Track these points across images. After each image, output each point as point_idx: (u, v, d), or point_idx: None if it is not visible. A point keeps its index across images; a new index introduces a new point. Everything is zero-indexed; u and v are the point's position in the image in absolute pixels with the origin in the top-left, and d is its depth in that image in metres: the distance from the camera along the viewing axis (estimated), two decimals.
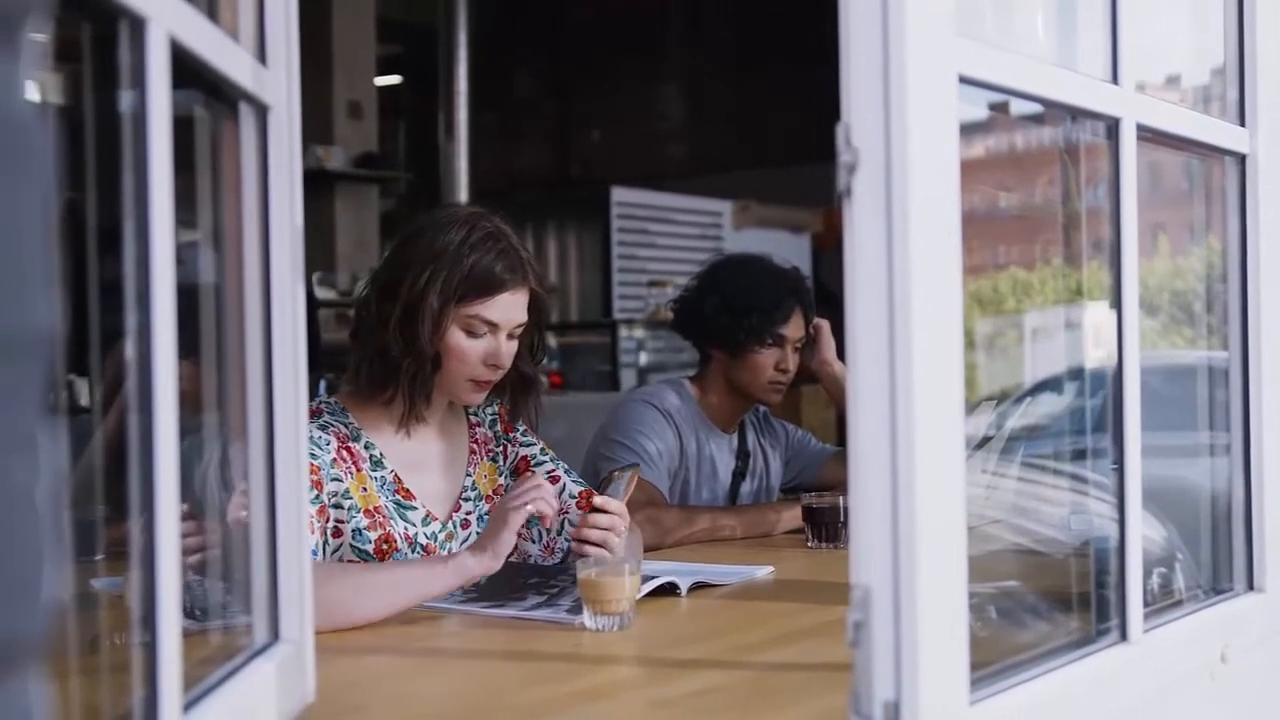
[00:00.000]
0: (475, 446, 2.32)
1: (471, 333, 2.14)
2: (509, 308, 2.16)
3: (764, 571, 2.30)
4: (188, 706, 1.06)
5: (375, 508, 2.13)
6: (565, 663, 1.69)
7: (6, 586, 0.57)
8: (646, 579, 1.98)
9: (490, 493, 2.31)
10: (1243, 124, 1.76)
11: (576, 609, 1.86)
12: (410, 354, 2.12)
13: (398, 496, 2.17)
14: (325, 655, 1.45)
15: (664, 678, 1.63)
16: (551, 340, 7.64)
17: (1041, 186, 1.96)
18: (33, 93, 0.60)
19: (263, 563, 1.34)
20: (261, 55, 1.32)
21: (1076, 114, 1.52)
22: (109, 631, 1.32)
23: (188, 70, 1.09)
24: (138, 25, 0.98)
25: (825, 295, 5.55)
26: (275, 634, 1.34)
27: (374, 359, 2.15)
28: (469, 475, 2.29)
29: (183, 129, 1.07)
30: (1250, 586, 1.77)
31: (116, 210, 1.01)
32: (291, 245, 1.35)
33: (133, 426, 0.99)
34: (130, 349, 1.00)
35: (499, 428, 2.36)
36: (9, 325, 0.56)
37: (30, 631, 0.58)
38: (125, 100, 1.01)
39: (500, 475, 2.33)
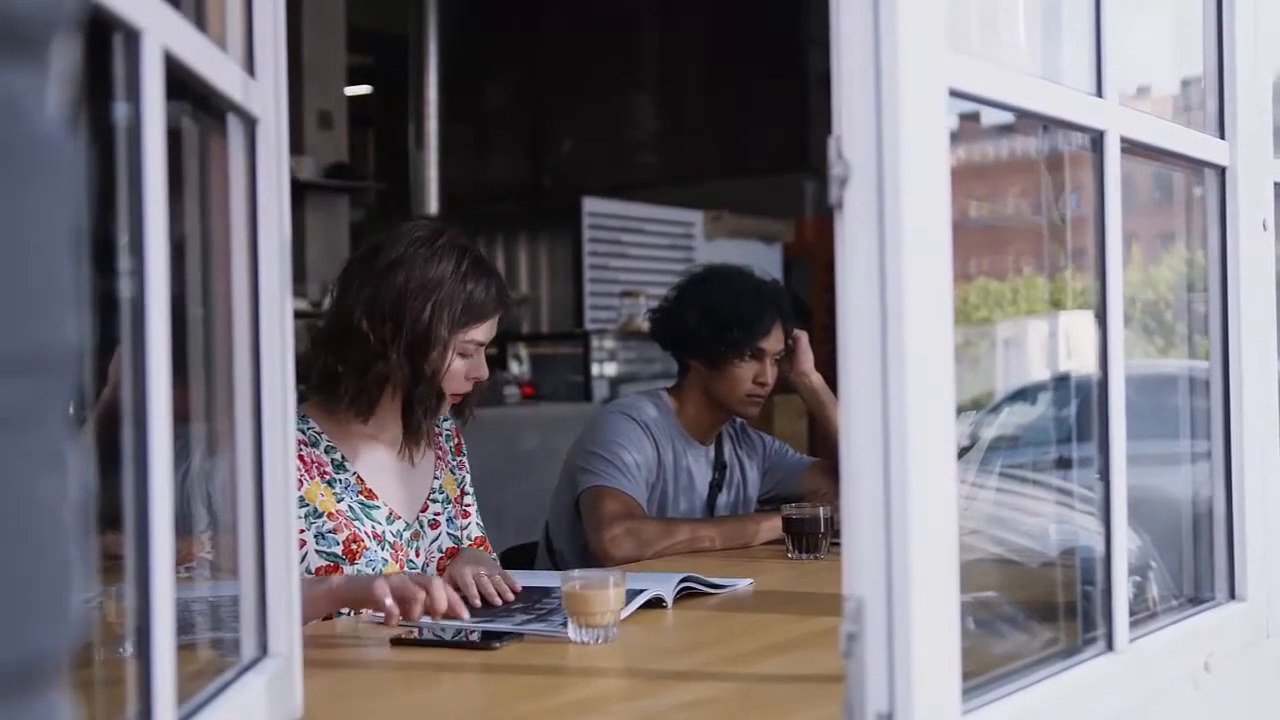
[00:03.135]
0: (440, 452, 2.40)
1: (464, 355, 2.24)
2: (494, 327, 2.29)
3: (745, 584, 2.30)
4: None
5: (338, 510, 2.18)
6: (552, 676, 1.68)
7: (37, 604, 0.56)
8: (632, 594, 1.98)
9: (452, 498, 2.39)
10: (1222, 136, 1.77)
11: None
12: (419, 383, 2.19)
13: (361, 497, 2.22)
14: (313, 670, 1.44)
15: (653, 690, 1.63)
16: (523, 351, 7.63)
17: (1013, 197, 1.97)
18: (60, 109, 0.59)
19: (251, 578, 1.33)
20: (250, 67, 1.32)
21: (1062, 127, 1.53)
22: (94, 646, 1.31)
23: (177, 82, 1.08)
24: (132, 37, 0.97)
25: (796, 306, 5.56)
26: (264, 649, 1.33)
27: (375, 385, 2.20)
28: (436, 478, 2.36)
29: (170, 141, 1.06)
30: (1232, 596, 1.78)
31: (104, 222, 1.00)
32: (280, 257, 1.35)
33: (126, 440, 0.99)
34: (119, 360, 1.00)
35: (452, 444, 2.45)
36: (37, 341, 0.56)
37: (59, 648, 0.58)
38: (118, 111, 1.00)
39: (457, 487, 2.42)
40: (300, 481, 2.14)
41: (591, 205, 8.08)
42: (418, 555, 2.28)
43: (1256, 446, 1.79)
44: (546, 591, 2.13)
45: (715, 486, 3.07)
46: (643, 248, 8.22)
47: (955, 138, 1.46)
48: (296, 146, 7.16)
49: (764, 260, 7.40)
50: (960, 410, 1.99)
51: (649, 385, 3.57)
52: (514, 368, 7.40)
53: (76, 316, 0.59)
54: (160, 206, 1.00)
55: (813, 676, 1.61)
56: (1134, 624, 1.53)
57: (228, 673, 1.25)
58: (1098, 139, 1.49)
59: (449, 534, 2.35)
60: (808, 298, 7.53)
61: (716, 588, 2.21)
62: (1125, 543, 1.50)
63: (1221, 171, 1.78)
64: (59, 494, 0.58)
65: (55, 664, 0.58)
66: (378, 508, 2.23)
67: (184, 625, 1.36)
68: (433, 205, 8.36)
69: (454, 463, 2.43)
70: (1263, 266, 1.83)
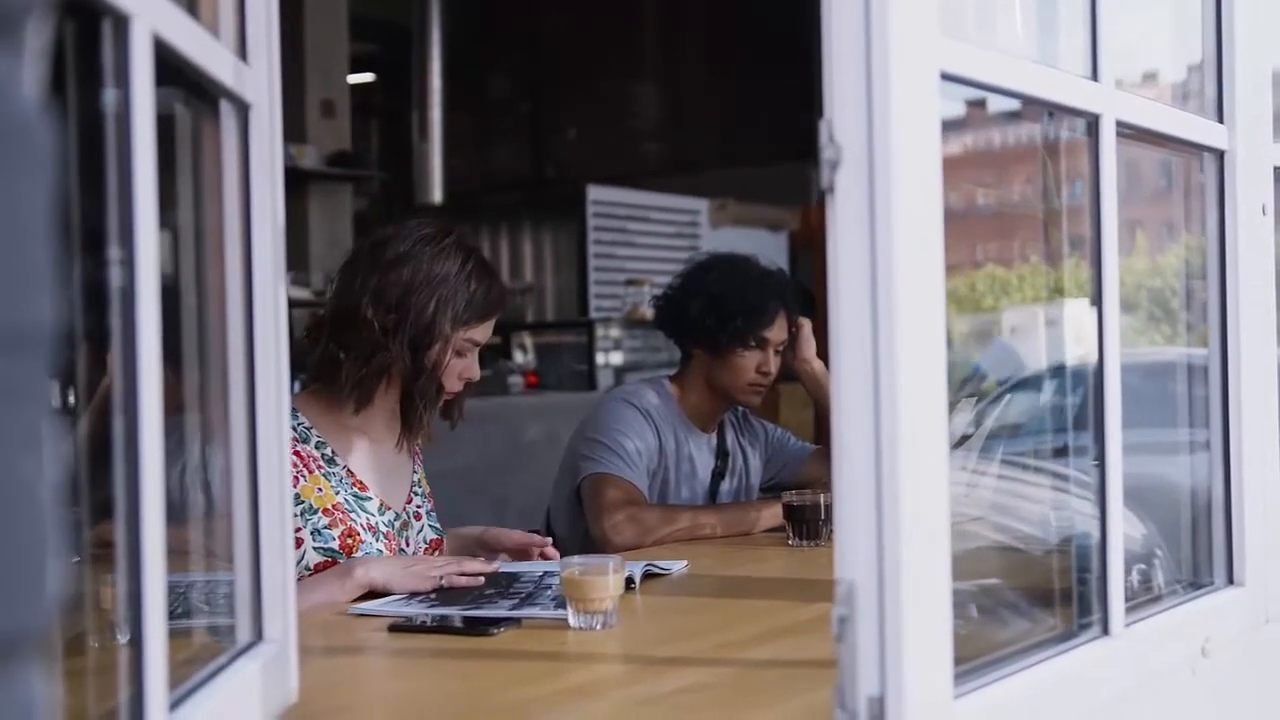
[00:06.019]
0: (416, 449, 2.44)
1: (460, 353, 2.27)
2: (490, 329, 2.32)
3: (680, 565, 2.33)
4: (172, 706, 1.06)
5: (334, 505, 2.21)
6: (550, 662, 1.69)
7: (12, 580, 0.57)
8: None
9: (428, 493, 2.44)
10: (1221, 120, 1.77)
11: (561, 604, 1.86)
12: (419, 375, 2.23)
13: (354, 489, 2.25)
14: (308, 655, 1.44)
15: (650, 675, 1.63)
16: (527, 340, 7.64)
17: (1019, 184, 1.96)
18: (35, 90, 0.60)
19: (246, 563, 1.33)
20: (243, 53, 1.32)
21: (1057, 110, 1.53)
22: (92, 633, 1.32)
23: (169, 68, 1.08)
24: (121, 22, 0.97)
25: (802, 294, 5.55)
26: (259, 634, 1.33)
27: (375, 375, 2.23)
28: (415, 472, 2.41)
29: (161, 127, 1.06)
30: (1230, 581, 1.78)
31: (96, 209, 1.01)
32: (273, 245, 1.35)
33: (117, 428, 0.99)
34: (114, 351, 1.00)
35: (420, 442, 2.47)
36: (17, 320, 0.57)
37: (35, 625, 0.58)
38: (107, 98, 1.00)
39: (427, 483, 2.47)
40: (297, 478, 2.16)
41: (596, 194, 8.08)
42: (407, 545, 2.31)
43: (1255, 432, 1.79)
44: (515, 576, 2.16)
45: (718, 474, 3.07)
46: (647, 236, 8.22)
47: (962, 125, 1.46)
48: (299, 135, 7.16)
49: (769, 248, 7.40)
50: (967, 398, 1.99)
51: (654, 374, 3.57)
52: (518, 357, 7.40)
53: (52, 298, 0.60)
54: (150, 194, 1.00)
55: (809, 661, 1.61)
56: (1131, 609, 1.53)
57: (222, 657, 1.26)
58: (1093, 123, 1.49)
59: (430, 526, 2.41)
60: (813, 286, 7.52)
61: (664, 570, 2.27)
62: (1121, 527, 1.50)
63: (1220, 156, 1.78)
64: (36, 472, 0.58)
65: (31, 639, 0.58)
66: (370, 499, 2.27)
67: (183, 611, 1.37)
68: (436, 194, 8.37)
69: (423, 460, 2.48)
70: (1262, 252, 1.83)
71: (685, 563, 2.36)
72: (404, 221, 2.33)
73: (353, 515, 2.21)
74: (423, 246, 2.24)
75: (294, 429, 2.21)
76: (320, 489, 2.20)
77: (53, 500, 0.59)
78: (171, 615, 1.10)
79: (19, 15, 0.57)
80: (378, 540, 2.23)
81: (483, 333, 2.29)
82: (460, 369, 2.28)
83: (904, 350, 1.14)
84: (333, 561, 2.16)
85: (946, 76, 1.22)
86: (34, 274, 0.57)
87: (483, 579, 2.10)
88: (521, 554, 2.37)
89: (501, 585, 2.10)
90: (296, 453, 2.19)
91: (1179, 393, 1.95)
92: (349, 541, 2.19)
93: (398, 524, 2.31)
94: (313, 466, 2.21)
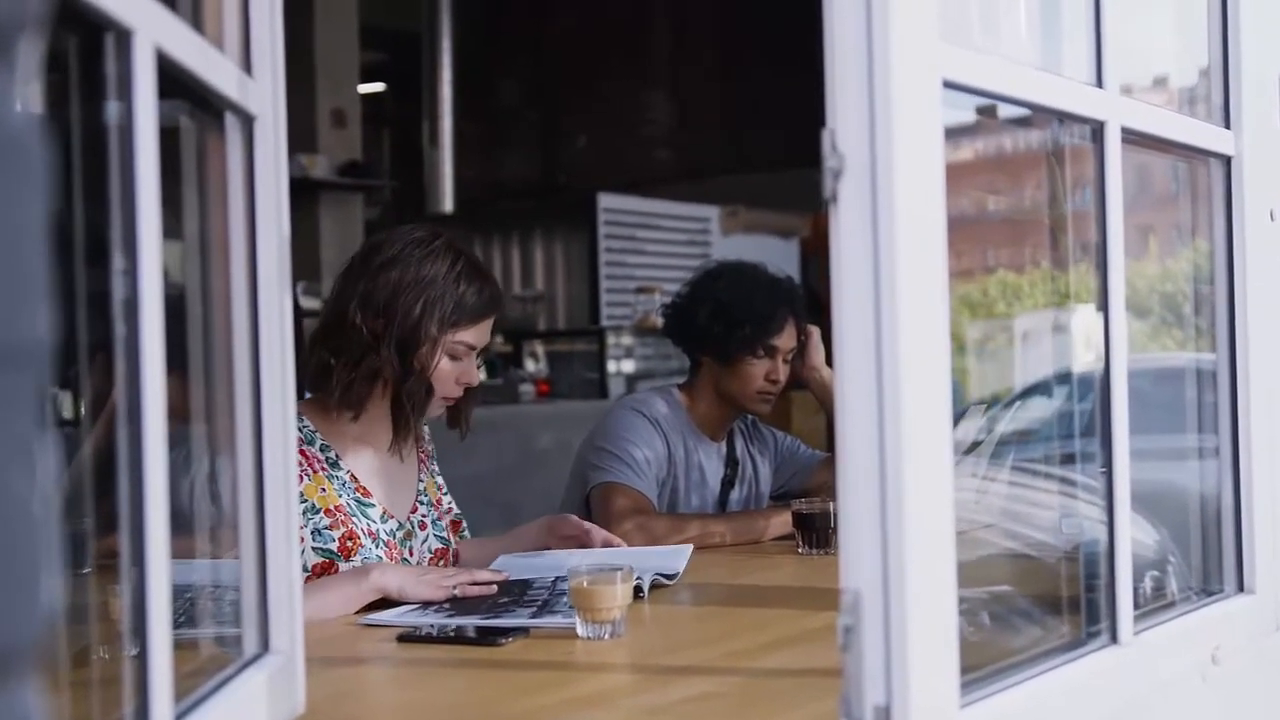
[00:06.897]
0: (423, 457, 2.44)
1: (453, 356, 2.27)
2: (486, 332, 2.31)
3: (685, 551, 2.35)
4: (178, 718, 1.06)
5: (336, 506, 2.22)
6: (558, 671, 1.69)
7: (5, 594, 0.57)
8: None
9: (434, 501, 2.43)
10: (1228, 126, 1.76)
11: (573, 613, 1.86)
12: (408, 378, 2.22)
13: (357, 495, 2.26)
14: (315, 666, 1.44)
15: (657, 684, 1.63)
16: (538, 348, 7.64)
17: (1030, 190, 1.96)
18: (29, 104, 0.60)
19: (252, 574, 1.34)
20: (247, 65, 1.32)
21: (1061, 117, 1.52)
22: (96, 644, 1.32)
23: (173, 81, 1.09)
24: (124, 36, 0.98)
25: (813, 301, 5.54)
26: (265, 645, 1.34)
27: (365, 379, 2.23)
28: (420, 481, 2.41)
29: (168, 139, 1.07)
30: (1240, 588, 1.77)
31: (101, 221, 1.01)
32: (278, 255, 1.35)
33: (121, 439, 0.99)
34: (117, 361, 1.00)
35: (430, 449, 2.49)
36: (8, 335, 0.57)
37: (28, 639, 0.58)
38: (111, 111, 1.00)
39: (438, 490, 2.46)
40: (301, 477, 2.16)
41: (607, 201, 8.08)
42: (411, 554, 2.31)
43: (1264, 438, 1.78)
44: (528, 584, 2.16)
45: (728, 483, 3.07)
46: (658, 244, 8.21)
47: (972, 130, 1.46)
48: (310, 145, 7.16)
49: (780, 255, 7.38)
50: (977, 404, 1.98)
51: (665, 382, 3.57)
52: (529, 365, 7.39)
53: (45, 312, 0.60)
54: (153, 206, 1.01)
55: (818, 670, 1.61)
56: (1140, 616, 1.52)
57: (228, 668, 1.26)
58: (1098, 129, 1.48)
59: (435, 535, 2.40)
60: (824, 293, 7.51)
61: (671, 578, 2.25)
62: (1129, 534, 1.49)
63: (1227, 161, 1.77)
64: (28, 485, 0.58)
65: (26, 653, 0.58)
66: (372, 505, 2.27)
67: (187, 619, 1.37)
68: (447, 203, 8.38)
69: (433, 468, 2.47)
70: (1270, 256, 1.82)
71: (690, 547, 2.37)
72: (396, 228, 2.34)
73: (354, 519, 2.22)
74: (412, 249, 2.24)
75: (300, 431, 2.22)
76: (324, 489, 2.21)
77: (47, 514, 0.60)
78: (177, 625, 1.10)
79: (12, 31, 0.57)
80: (377, 547, 2.23)
81: (475, 335, 2.27)
82: (457, 374, 2.27)
83: (907, 358, 1.14)
84: (331, 563, 2.16)
85: (949, 84, 1.22)
86: (28, 288, 0.57)
87: (495, 588, 2.10)
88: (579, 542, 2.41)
89: (515, 594, 2.09)
90: (302, 452, 2.19)
91: (1189, 398, 1.95)
92: (348, 544, 2.19)
93: (400, 533, 2.31)
94: (317, 467, 2.22)
